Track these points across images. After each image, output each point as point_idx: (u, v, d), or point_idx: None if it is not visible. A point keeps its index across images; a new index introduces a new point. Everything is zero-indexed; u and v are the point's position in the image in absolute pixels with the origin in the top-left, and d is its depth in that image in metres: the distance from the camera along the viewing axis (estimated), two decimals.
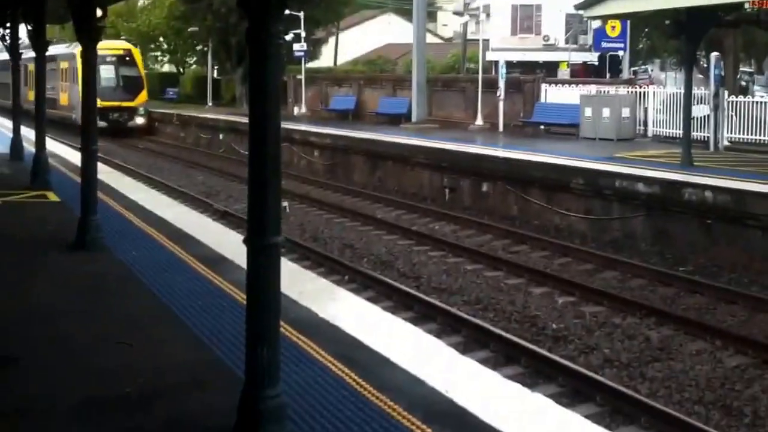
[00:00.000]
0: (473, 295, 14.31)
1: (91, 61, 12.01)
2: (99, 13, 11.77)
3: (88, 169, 11.96)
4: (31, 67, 52.88)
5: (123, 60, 47.13)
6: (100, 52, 41.66)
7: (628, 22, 39.34)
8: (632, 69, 47.76)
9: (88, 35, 11.65)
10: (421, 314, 13.15)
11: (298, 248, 17.33)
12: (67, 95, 48.71)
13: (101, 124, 39.14)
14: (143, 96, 47.81)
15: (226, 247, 11.71)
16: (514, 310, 13.45)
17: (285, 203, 21.14)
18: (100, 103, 40.22)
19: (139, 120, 47.51)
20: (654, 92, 29.07)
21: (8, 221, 13.88)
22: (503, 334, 11.91)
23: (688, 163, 20.17)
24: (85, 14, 11.52)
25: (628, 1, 21.69)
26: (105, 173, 18.49)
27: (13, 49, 22.01)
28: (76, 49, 42.37)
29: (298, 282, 9.90)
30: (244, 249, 5.62)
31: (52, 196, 16.07)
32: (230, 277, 9.94)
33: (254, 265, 5.56)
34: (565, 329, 12.53)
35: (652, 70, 54.87)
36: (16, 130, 22.40)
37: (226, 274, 10.19)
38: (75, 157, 22.03)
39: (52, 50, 49.24)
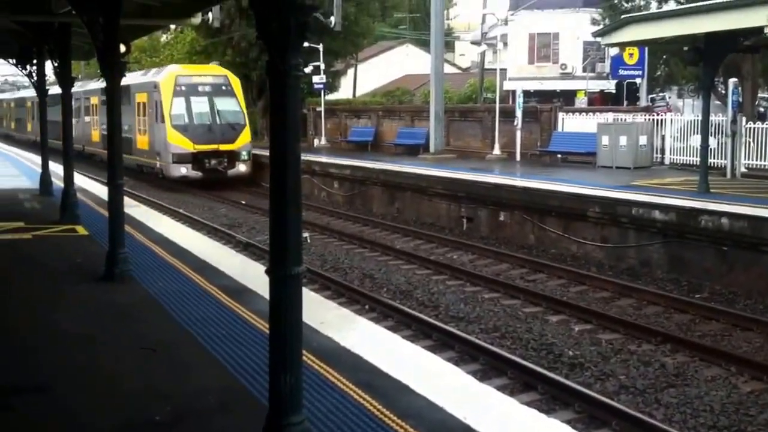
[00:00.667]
0: (491, 323, 14.46)
1: (116, 96, 12.33)
2: (122, 48, 12.10)
3: (114, 204, 12.27)
4: (94, 100, 47.53)
5: (219, 89, 37.30)
6: (191, 80, 34.91)
7: (646, 49, 39.43)
8: (650, 96, 47.81)
9: (112, 71, 11.96)
10: (440, 342, 13.31)
11: (319, 278, 17.54)
12: (147, 137, 38.70)
13: (195, 174, 35.35)
14: (246, 135, 37.08)
15: (248, 277, 11.97)
16: (531, 338, 13.58)
17: (306, 234, 21.39)
18: (194, 147, 35.17)
19: (242, 167, 36.57)
20: (671, 120, 29.15)
21: (39, 254, 14.19)
22: (520, 361, 12.05)
23: (705, 190, 20.25)
24: (109, 50, 11.83)
25: (646, 27, 21.82)
26: (131, 207, 18.81)
27: (41, 85, 22.43)
28: (159, 77, 37.48)
29: (319, 311, 10.12)
30: (266, 279, 5.84)
31: (81, 230, 16.38)
32: (253, 307, 10.18)
33: (276, 296, 5.77)
34: (582, 356, 12.65)
35: (669, 98, 54.90)
36: (45, 166, 22.77)
37: (249, 303, 10.43)
38: (102, 191, 22.38)
39: (125, 79, 44.75)
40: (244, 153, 36.51)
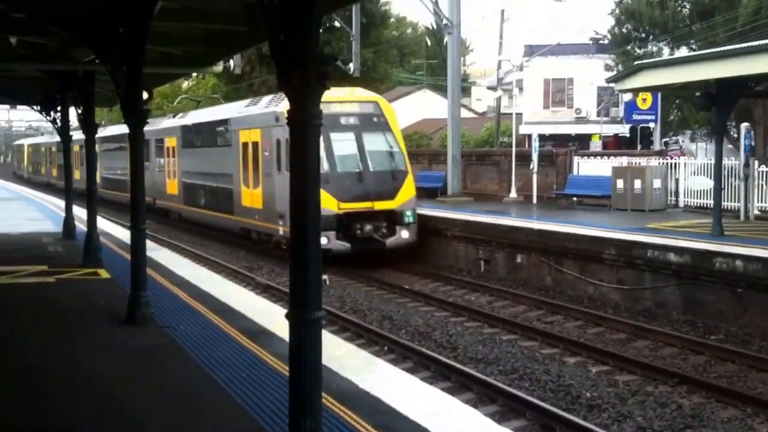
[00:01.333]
0: (509, 365, 14.37)
1: (138, 142, 12.42)
2: (145, 95, 12.22)
3: (137, 247, 12.32)
4: (171, 142, 38.32)
5: (370, 122, 26.26)
6: (330, 108, 23.99)
7: (659, 94, 39.54)
8: (663, 140, 47.76)
9: (135, 118, 12.07)
10: (459, 384, 13.25)
11: (338, 320, 17.53)
12: (261, 191, 27.83)
13: (341, 246, 24.12)
14: (409, 187, 25.82)
15: (269, 320, 11.97)
16: (549, 379, 13.49)
17: (325, 276, 21.41)
18: (339, 207, 23.83)
19: (406, 233, 25.34)
20: (685, 163, 29.13)
21: (62, 298, 14.24)
22: (538, 403, 11.96)
23: (719, 233, 20.18)
24: (132, 98, 11.95)
25: (658, 73, 21.86)
26: (153, 250, 18.87)
27: (64, 131, 22.65)
28: (279, 106, 26.20)
29: (338, 353, 10.10)
30: (286, 321, 5.85)
31: (104, 273, 16.45)
32: (273, 350, 10.17)
33: (296, 340, 5.79)
34: (599, 398, 12.55)
35: (683, 141, 54.86)
36: (69, 210, 22.91)
37: (269, 346, 10.42)
38: (124, 234, 22.51)
39: (220, 112, 35.20)
40: (408, 213, 25.32)
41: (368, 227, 24.65)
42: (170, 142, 38.89)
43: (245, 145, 29.41)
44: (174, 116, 40.87)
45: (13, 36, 14.73)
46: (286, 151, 22.94)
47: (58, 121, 22.83)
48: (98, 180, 25.04)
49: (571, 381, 13.37)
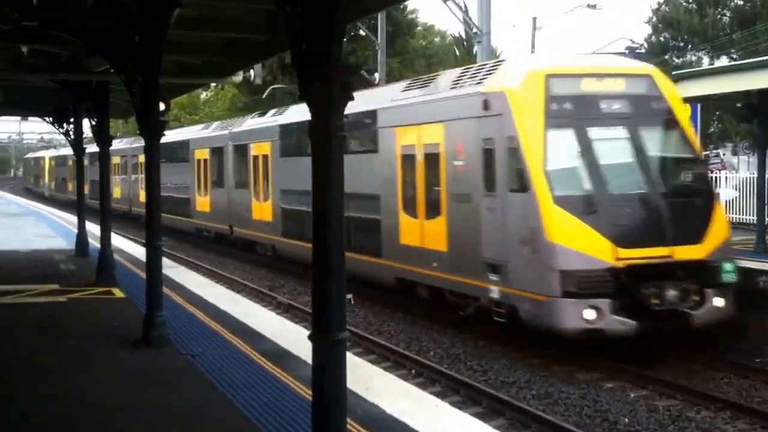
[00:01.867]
0: (542, 389, 14.25)
1: (155, 154, 12.39)
2: (162, 106, 12.24)
3: (153, 265, 12.33)
4: (257, 150, 29.03)
5: (647, 108, 16.66)
6: (582, 86, 15.90)
7: (699, 106, 39.25)
8: (704, 153, 47.53)
9: (151, 130, 12.08)
10: (490, 409, 13.15)
11: (363, 341, 17.47)
12: (445, 221, 18.22)
13: (619, 324, 14.66)
14: (720, 223, 16.20)
15: (290, 341, 11.96)
16: (585, 404, 13.37)
17: (349, 295, 21.31)
18: (619, 256, 14.57)
19: (721, 301, 15.40)
20: (726, 177, 28.87)
21: (74, 318, 14.28)
22: (574, 429, 11.85)
23: (763, 250, 19.95)
24: (148, 109, 11.96)
25: (698, 84, 21.73)
26: (170, 268, 18.92)
27: (78, 143, 22.81)
28: (503, 78, 16.73)
29: (364, 376, 10.07)
30: (308, 343, 5.84)
31: (118, 292, 16.49)
32: (296, 373, 10.15)
33: (319, 361, 5.76)
34: (638, 423, 12.42)
35: (724, 155, 54.55)
36: (81, 227, 23.03)
37: (291, 369, 10.40)
38: (138, 251, 22.58)
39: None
40: (727, 267, 15.80)
41: (671, 293, 14.80)
42: (260, 148, 29.37)
43: (408, 154, 19.62)
44: (262, 114, 31.44)
45: (25, 45, 14.83)
46: (515, 159, 15.64)
47: (71, 133, 23.00)
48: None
49: (608, 406, 13.22)
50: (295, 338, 12.09)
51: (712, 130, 50.24)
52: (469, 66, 19.57)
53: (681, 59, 44.94)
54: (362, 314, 20.80)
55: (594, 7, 47.28)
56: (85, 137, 22.57)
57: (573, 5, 51.62)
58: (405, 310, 20.83)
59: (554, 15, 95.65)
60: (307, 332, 5.94)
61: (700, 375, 14.91)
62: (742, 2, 45.87)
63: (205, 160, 34.72)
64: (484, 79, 17.27)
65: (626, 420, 12.59)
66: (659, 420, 12.60)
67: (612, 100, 16.35)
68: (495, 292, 16.21)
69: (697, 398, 13.50)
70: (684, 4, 47.04)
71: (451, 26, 75.40)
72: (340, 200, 5.83)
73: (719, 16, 45.06)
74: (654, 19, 48.28)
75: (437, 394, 12.78)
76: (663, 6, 48.26)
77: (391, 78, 40.51)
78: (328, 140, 5.73)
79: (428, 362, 15.87)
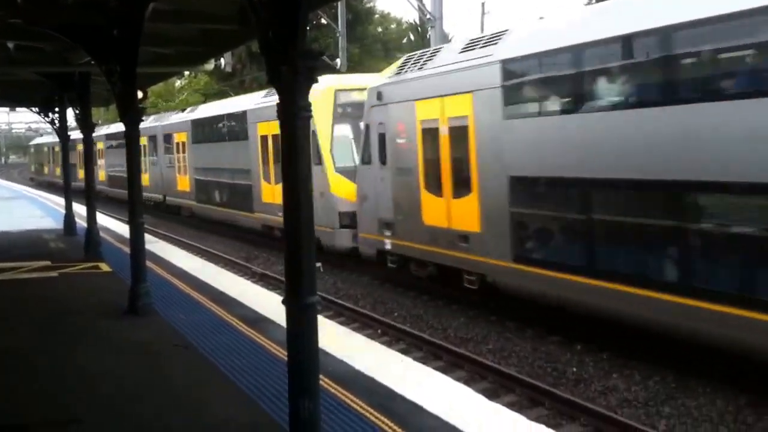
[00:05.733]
0: (498, 344, 14.37)
1: (135, 139, 12.36)
2: (140, 95, 12.21)
3: (136, 241, 12.31)
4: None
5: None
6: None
7: None
8: None
9: (131, 117, 12.05)
10: (450, 363, 13.25)
11: (332, 305, 17.51)
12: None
13: None
14: None
15: (266, 307, 11.99)
16: (536, 356, 13.49)
17: (318, 264, 21.29)
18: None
19: None
20: None
21: (65, 292, 14.21)
22: (526, 378, 11.98)
23: None
24: (127, 97, 11.96)
25: None
26: (152, 243, 18.83)
27: (63, 131, 22.60)
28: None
29: (334, 337, 10.12)
30: (283, 308, 5.85)
31: (105, 267, 16.42)
32: (271, 336, 10.19)
33: (293, 325, 5.79)
34: (584, 372, 12.53)
35: None
36: (69, 207, 22.85)
37: (267, 332, 10.44)
38: (124, 229, 22.44)
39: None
40: None
41: None
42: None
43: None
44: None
45: (11, 41, 14.70)
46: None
47: (56, 121, 22.78)
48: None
49: (556, 361, 13.34)
50: (270, 304, 12.12)
51: None
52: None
53: None
54: (331, 281, 20.83)
55: None
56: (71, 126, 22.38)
57: None
58: (372, 275, 20.88)
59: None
60: (280, 298, 5.95)
61: None
62: None
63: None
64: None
65: (574, 369, 12.74)
66: (603, 368, 12.74)
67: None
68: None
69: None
70: None
71: (407, 13, 75.08)
72: (307, 174, 5.84)
73: None
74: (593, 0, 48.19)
75: (402, 351, 12.87)
76: None
77: (351, 63, 40.35)
78: (295, 120, 5.74)
79: (393, 322, 15.96)
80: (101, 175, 47.79)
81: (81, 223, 20.83)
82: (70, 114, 21.07)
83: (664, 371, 12.41)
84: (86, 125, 18.15)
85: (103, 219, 25.32)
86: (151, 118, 40.19)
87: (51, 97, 22.03)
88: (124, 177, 13.01)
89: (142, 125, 12.39)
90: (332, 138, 21.63)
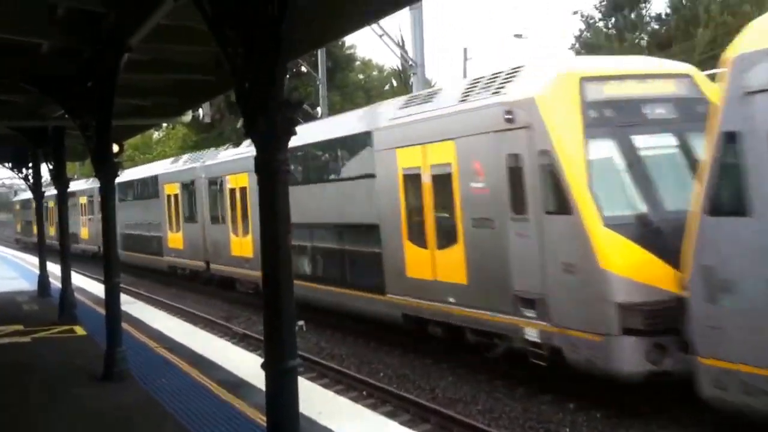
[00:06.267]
0: (487, 404, 14.16)
1: (110, 195, 12.23)
2: (116, 148, 12.09)
3: (111, 302, 12.11)
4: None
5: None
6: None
7: None
8: None
9: (106, 172, 11.92)
10: (438, 426, 13.03)
11: (316, 366, 17.27)
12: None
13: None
14: None
15: (246, 370, 11.78)
16: (528, 417, 13.28)
17: (301, 322, 21.09)
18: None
19: None
20: None
21: (38, 357, 13.95)
22: None
23: None
24: (103, 150, 11.81)
25: None
26: (129, 304, 18.63)
27: (37, 187, 22.47)
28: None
29: (317, 401, 9.93)
30: (263, 372, 5.70)
31: (80, 330, 16.19)
32: (252, 401, 9.98)
33: (273, 390, 5.64)
34: None
35: None
36: (43, 267, 22.63)
37: (247, 397, 10.23)
38: (100, 289, 22.20)
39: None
40: None
41: None
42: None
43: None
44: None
45: None
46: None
47: (30, 177, 22.67)
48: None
49: (548, 419, 13.15)
50: (250, 367, 11.87)
51: None
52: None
53: None
54: (314, 340, 20.60)
55: (520, 36, 47.76)
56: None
57: (501, 35, 52.13)
58: (355, 334, 20.67)
59: (484, 45, 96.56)
60: (261, 360, 5.79)
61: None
62: (657, 26, 46.63)
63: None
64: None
65: (567, 430, 12.53)
66: (597, 428, 12.54)
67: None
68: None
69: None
70: (605, 30, 47.68)
71: (388, 60, 75.59)
72: (287, 231, 5.73)
73: (637, 41, 45.57)
74: (576, 45, 48.74)
75: (388, 414, 12.65)
76: (584, 32, 48.84)
77: (333, 111, 40.53)
78: (273, 174, 5.63)
79: (378, 384, 15.73)
80: (83, 232, 48.73)
81: (56, 283, 20.59)
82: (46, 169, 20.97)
83: (658, 431, 12.24)
84: (60, 182, 18.00)
85: (79, 279, 25.07)
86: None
87: (24, 153, 21.93)
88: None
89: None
90: (587, 164, 12.77)
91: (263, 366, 5.68)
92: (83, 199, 47.76)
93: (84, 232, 48.65)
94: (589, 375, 12.72)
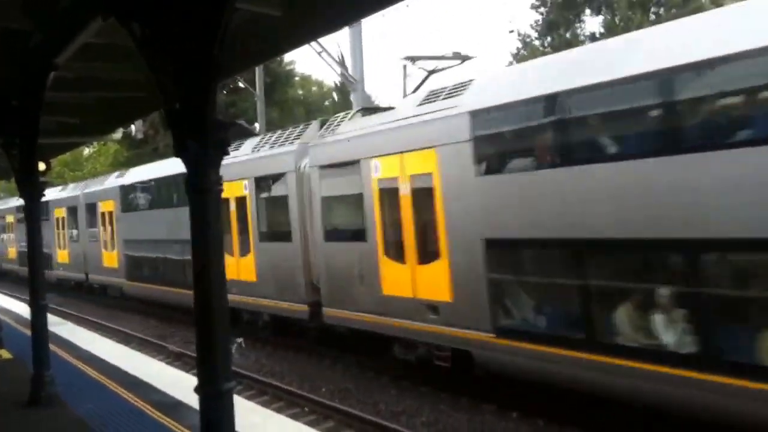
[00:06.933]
0: (432, 416, 14.28)
1: (36, 215, 12.06)
2: (42, 167, 11.88)
3: (38, 324, 11.87)
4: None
5: None
6: None
7: None
8: None
9: (31, 191, 11.73)
10: None
11: (255, 383, 17.23)
12: None
13: None
14: None
15: (182, 390, 11.72)
16: (472, 428, 13.43)
17: (240, 339, 21.09)
18: None
19: None
20: None
21: None
22: None
23: None
24: (28, 170, 11.61)
25: None
26: (58, 325, 18.38)
27: None
28: None
29: (256, 420, 9.94)
30: None
31: (5, 353, 15.92)
32: (187, 422, 9.93)
33: (207, 414, 5.62)
34: None
35: None
36: None
37: (183, 419, 10.19)
38: (26, 310, 21.86)
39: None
40: None
41: None
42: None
43: None
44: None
45: None
46: None
47: None
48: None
49: None
50: (186, 387, 11.78)
51: None
52: None
53: None
54: (254, 357, 20.54)
55: (463, 56, 48.02)
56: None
57: (441, 50, 52.29)
58: (296, 349, 20.66)
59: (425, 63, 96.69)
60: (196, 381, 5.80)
61: None
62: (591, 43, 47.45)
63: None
64: None
65: None
66: None
67: None
68: None
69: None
70: (540, 49, 48.35)
71: (328, 75, 75.45)
72: (219, 253, 5.74)
73: None
74: (514, 63, 49.36)
75: (330, 430, 12.69)
76: (521, 51, 49.49)
77: (271, 126, 40.37)
78: (205, 195, 5.63)
79: (320, 399, 15.76)
80: (11, 252, 48.70)
81: None
82: None
83: None
84: None
85: (5, 301, 24.64)
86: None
87: None
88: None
89: None
90: None
91: (196, 390, 5.67)
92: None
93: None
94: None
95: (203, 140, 5.53)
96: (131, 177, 30.22)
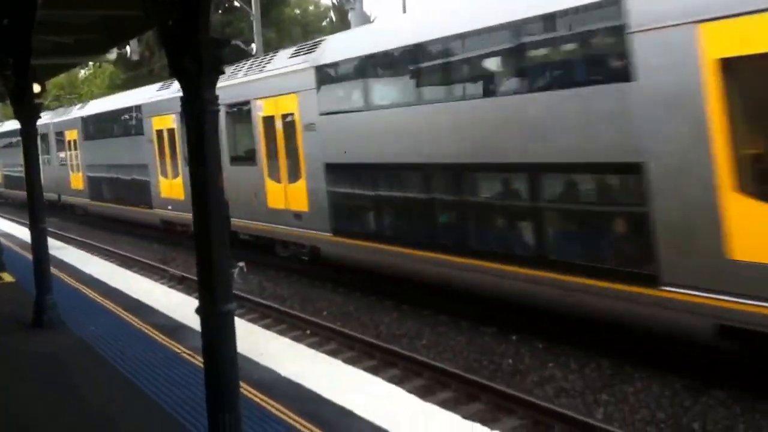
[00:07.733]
0: (432, 339, 14.41)
1: (32, 137, 12.02)
2: (37, 88, 11.80)
3: (39, 248, 11.95)
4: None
5: None
6: None
7: None
8: None
9: (27, 113, 11.69)
10: (383, 362, 13.24)
11: (258, 307, 17.36)
12: None
13: None
14: None
15: (183, 313, 11.83)
16: (472, 349, 13.56)
17: (242, 263, 21.13)
18: None
19: None
20: None
21: None
22: (462, 374, 12.02)
23: None
24: (22, 91, 11.54)
25: None
26: (59, 249, 18.46)
27: None
28: None
29: (259, 342, 10.04)
30: None
31: (7, 277, 16.02)
32: (189, 344, 10.04)
33: (208, 334, 5.67)
34: (521, 362, 12.63)
35: None
36: None
37: (184, 341, 10.30)
38: (27, 234, 21.94)
39: None
40: None
41: None
42: None
43: None
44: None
45: None
46: None
47: None
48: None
49: (488, 350, 13.41)
50: (187, 310, 11.92)
51: None
52: None
53: None
54: (256, 280, 20.66)
55: None
56: None
57: None
58: (299, 273, 20.76)
59: None
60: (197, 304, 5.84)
61: None
62: None
63: None
64: None
65: (510, 361, 12.83)
66: (539, 358, 12.86)
67: None
68: None
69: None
70: None
71: None
72: (217, 173, 5.71)
73: None
74: None
75: (332, 352, 12.83)
76: None
77: (268, 48, 39.95)
78: (201, 115, 5.58)
79: (322, 322, 15.89)
80: None
81: None
82: None
83: (599, 359, 12.58)
84: None
85: (5, 224, 24.73)
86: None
87: None
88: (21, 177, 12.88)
89: None
90: None
91: (198, 311, 5.71)
92: None
93: None
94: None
95: (197, 57, 5.46)
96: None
